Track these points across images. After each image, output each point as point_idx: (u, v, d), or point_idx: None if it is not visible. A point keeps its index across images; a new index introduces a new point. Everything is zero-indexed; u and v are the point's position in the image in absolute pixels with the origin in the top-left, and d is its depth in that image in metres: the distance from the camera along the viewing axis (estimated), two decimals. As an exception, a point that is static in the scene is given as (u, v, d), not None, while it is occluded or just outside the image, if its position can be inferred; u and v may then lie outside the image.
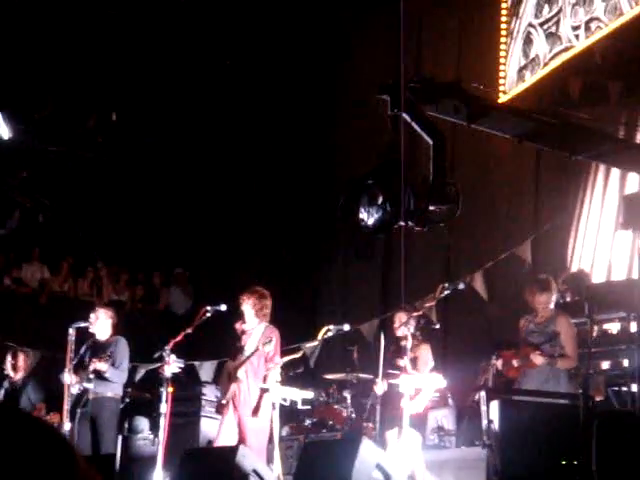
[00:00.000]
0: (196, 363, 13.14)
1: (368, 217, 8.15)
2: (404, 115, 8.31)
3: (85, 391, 10.09)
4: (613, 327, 10.10)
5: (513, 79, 14.00)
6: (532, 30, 13.71)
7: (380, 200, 8.12)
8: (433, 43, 16.01)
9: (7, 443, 1.67)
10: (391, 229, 8.41)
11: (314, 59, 17.07)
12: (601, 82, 12.74)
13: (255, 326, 9.59)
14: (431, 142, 8.30)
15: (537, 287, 9.10)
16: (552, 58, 13.32)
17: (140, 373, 12.30)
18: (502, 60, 14.14)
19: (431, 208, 8.15)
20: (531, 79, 13.63)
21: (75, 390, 10.06)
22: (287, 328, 10.20)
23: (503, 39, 14.20)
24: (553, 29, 13.34)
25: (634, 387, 8.99)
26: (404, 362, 9.46)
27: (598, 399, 9.15)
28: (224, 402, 9.51)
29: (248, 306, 9.55)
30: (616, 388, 9.99)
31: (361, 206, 8.18)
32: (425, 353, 9.79)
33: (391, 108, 8.41)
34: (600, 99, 12.83)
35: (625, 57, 12.30)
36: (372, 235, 8.66)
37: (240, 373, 9.34)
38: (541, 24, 13.59)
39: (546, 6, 13.50)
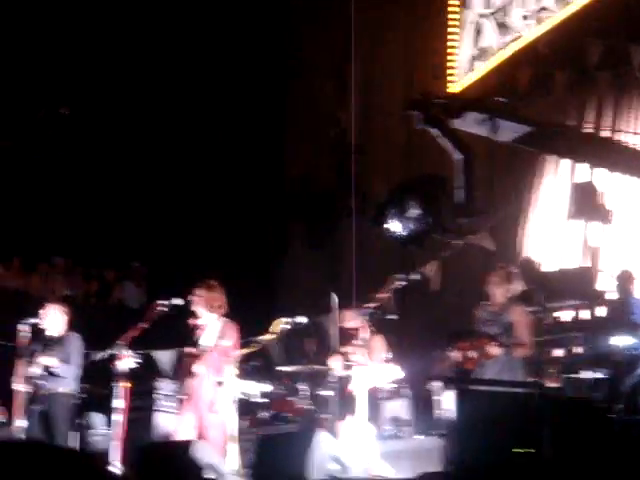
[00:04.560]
0: (154, 353, 13.02)
1: (403, 228, 8.28)
2: (432, 130, 8.48)
3: (38, 388, 10.01)
4: (566, 315, 10.21)
5: (464, 69, 14.07)
6: (482, 20, 13.78)
7: (415, 212, 8.24)
8: (384, 35, 16.02)
9: None
10: (424, 240, 8.58)
11: (264, 56, 17.03)
12: (549, 72, 12.84)
13: (212, 321, 9.55)
14: (460, 157, 8.42)
15: (499, 277, 9.11)
16: (502, 48, 13.40)
17: (96, 358, 12.15)
18: (452, 50, 14.21)
19: (462, 221, 8.30)
20: (482, 69, 13.71)
21: (28, 387, 9.98)
22: (243, 321, 10.16)
23: (453, 29, 14.27)
24: (503, 19, 13.43)
25: (587, 374, 9.09)
26: (359, 354, 9.50)
27: (554, 386, 9.23)
28: (183, 397, 9.48)
29: (199, 300, 9.52)
30: (570, 375, 10.09)
31: (394, 217, 8.32)
32: (378, 343, 9.83)
33: (420, 123, 8.57)
34: (548, 89, 12.93)
35: (573, 47, 12.42)
36: (403, 245, 8.81)
37: (198, 368, 9.31)
38: (492, 14, 13.66)
39: (496, -4, 13.58)
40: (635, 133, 12.63)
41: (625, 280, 10.66)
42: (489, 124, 9.01)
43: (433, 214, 8.29)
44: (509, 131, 9.19)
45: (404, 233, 8.40)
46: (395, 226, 8.39)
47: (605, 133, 12.86)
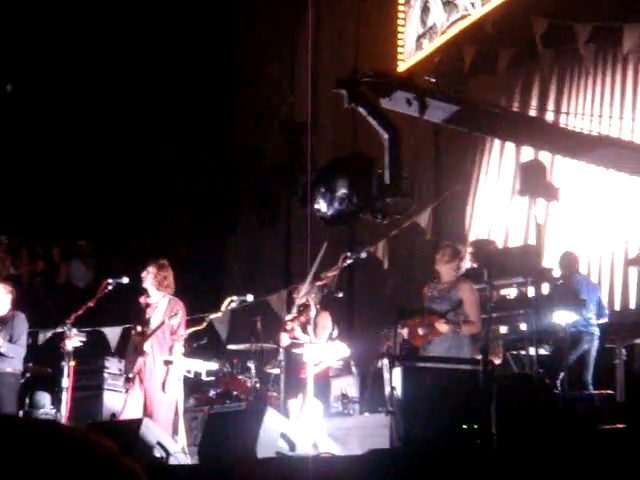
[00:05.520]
0: (101, 331, 12.95)
1: (328, 208, 8.24)
2: (360, 109, 8.42)
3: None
4: (511, 292, 10.31)
5: (411, 47, 14.09)
6: (429, -2, 13.81)
7: (342, 191, 8.20)
8: (332, 12, 15.98)
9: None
10: (349, 220, 8.51)
11: (211, 26, 16.93)
12: (493, 51, 12.86)
13: (159, 299, 9.54)
14: (386, 136, 8.37)
15: (447, 255, 9.12)
16: (449, 26, 13.44)
17: (41, 340, 12.08)
18: (400, 29, 14.22)
19: (387, 201, 8.28)
20: (429, 47, 13.75)
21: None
22: (192, 299, 10.15)
23: (401, 7, 14.29)
24: (450, -3, 13.46)
25: (531, 350, 9.20)
26: (305, 331, 9.52)
27: (497, 363, 9.33)
28: (130, 376, 9.46)
29: (149, 279, 9.50)
30: (514, 352, 10.21)
31: (319, 196, 8.27)
32: (324, 320, 9.85)
33: (348, 102, 8.52)
34: (492, 68, 12.97)
35: (518, 25, 12.46)
36: (328, 225, 8.74)
37: (146, 346, 9.30)
38: (438, -8, 13.68)
39: (443, -26, 13.59)
40: (577, 114, 12.73)
41: (568, 261, 10.79)
42: (418, 104, 9.01)
43: (360, 194, 8.25)
44: (439, 111, 9.21)
45: (329, 213, 8.35)
46: (322, 206, 8.35)
47: (547, 113, 12.95)
